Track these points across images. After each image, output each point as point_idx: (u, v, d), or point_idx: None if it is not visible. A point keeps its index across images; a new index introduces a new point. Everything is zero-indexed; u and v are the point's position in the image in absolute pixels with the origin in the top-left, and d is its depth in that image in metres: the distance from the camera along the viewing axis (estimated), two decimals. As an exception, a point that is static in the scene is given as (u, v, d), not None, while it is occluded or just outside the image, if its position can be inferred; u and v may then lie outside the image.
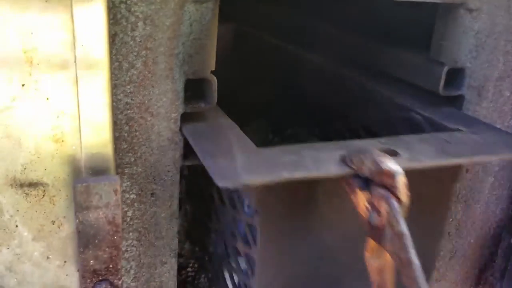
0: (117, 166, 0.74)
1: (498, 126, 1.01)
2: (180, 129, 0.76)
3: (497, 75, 0.96)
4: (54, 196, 0.68)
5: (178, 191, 0.80)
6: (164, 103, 0.73)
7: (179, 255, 1.01)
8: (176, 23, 0.70)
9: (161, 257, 0.85)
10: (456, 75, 0.92)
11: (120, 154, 0.74)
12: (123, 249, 0.81)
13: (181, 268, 1.08)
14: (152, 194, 0.78)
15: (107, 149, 0.68)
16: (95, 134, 0.66)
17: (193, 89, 0.77)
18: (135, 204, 0.78)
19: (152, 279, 0.86)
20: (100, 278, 0.70)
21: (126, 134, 0.73)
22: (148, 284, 0.86)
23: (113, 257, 0.69)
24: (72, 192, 0.64)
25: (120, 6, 0.66)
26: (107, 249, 0.67)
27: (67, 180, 0.67)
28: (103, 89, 0.64)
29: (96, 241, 0.66)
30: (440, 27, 0.89)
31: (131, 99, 0.71)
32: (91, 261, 0.67)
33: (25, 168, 0.64)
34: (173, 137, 0.76)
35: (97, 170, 0.67)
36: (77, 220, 0.64)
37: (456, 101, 0.94)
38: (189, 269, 1.13)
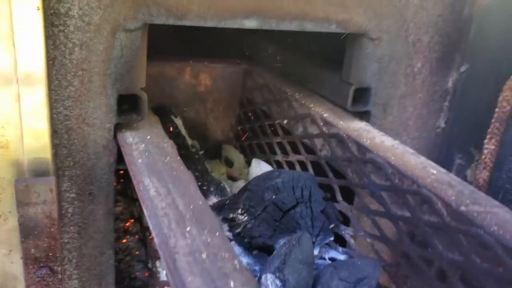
0: (58, 169, 0.86)
1: (404, 138, 1.17)
2: (115, 137, 0.89)
3: (400, 94, 1.11)
4: (0, 194, 0.80)
5: (113, 192, 0.92)
6: (99, 115, 0.86)
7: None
8: (108, 48, 0.82)
9: (100, 248, 0.97)
10: (362, 94, 1.07)
11: (61, 158, 0.86)
12: (66, 241, 0.93)
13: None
14: (90, 193, 0.90)
15: (47, 154, 0.80)
16: (36, 141, 0.78)
17: (129, 103, 0.90)
18: (75, 202, 0.90)
19: (92, 267, 0.98)
20: (41, 265, 0.82)
21: (65, 142, 0.85)
22: (89, 272, 0.98)
23: (52, 247, 0.81)
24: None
25: (59, 34, 0.78)
26: (46, 239, 0.79)
27: (11, 181, 0.78)
28: (42, 103, 0.77)
29: (36, 232, 0.78)
30: (348, 52, 1.04)
31: (70, 112, 0.83)
32: (32, 250, 0.79)
33: (-25, 170, 0.76)
34: (108, 145, 0.88)
35: (38, 172, 0.79)
36: (19, 214, 0.76)
37: (364, 116, 1.08)
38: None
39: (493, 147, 0.96)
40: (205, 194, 1.18)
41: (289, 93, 1.21)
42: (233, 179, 1.40)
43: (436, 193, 0.78)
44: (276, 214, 0.93)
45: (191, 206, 0.67)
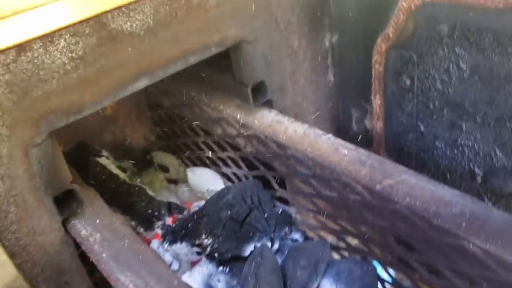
0: (31, 279, 0.92)
1: (305, 105, 1.29)
2: (66, 231, 0.95)
3: (289, 73, 1.21)
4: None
5: (84, 272, 1.00)
6: (45, 222, 0.91)
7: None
8: (27, 167, 0.85)
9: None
10: (260, 87, 1.16)
11: (29, 272, 0.91)
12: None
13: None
14: (66, 283, 0.98)
15: (18, 279, 0.86)
16: (3, 272, 0.84)
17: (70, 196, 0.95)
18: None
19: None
20: None
21: (26, 257, 0.90)
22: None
23: None
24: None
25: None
26: None
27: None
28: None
29: None
30: (234, 58, 1.11)
31: (18, 234, 0.88)
32: None
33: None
34: (63, 240, 0.94)
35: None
36: None
37: (267, 104, 1.18)
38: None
39: (379, 101, 1.11)
40: (159, 218, 1.28)
41: (195, 97, 1.27)
42: (174, 181, 1.49)
43: (353, 177, 0.93)
44: (235, 227, 1.06)
45: (171, 290, 0.78)
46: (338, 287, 1.00)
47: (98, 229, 0.93)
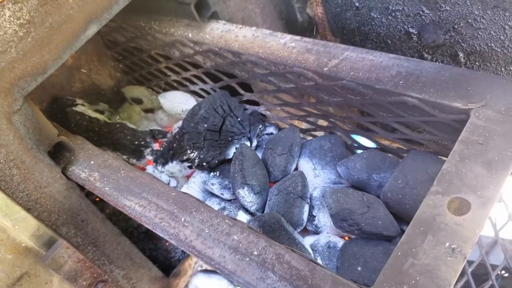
0: (54, 229, 1.06)
1: (250, 7, 1.35)
2: (68, 178, 1.06)
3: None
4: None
5: (94, 207, 1.14)
6: (47, 175, 1.02)
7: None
8: (15, 132, 0.94)
9: (114, 239, 1.22)
10: (202, 3, 1.21)
11: (47, 220, 1.05)
12: (91, 256, 1.17)
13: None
14: (82, 221, 1.12)
15: (41, 228, 0.99)
16: (27, 227, 0.97)
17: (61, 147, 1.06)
18: (78, 237, 1.12)
19: (114, 252, 1.25)
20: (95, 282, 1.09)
21: (40, 208, 1.03)
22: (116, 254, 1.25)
23: (91, 267, 1.06)
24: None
25: (-23, 156, 0.90)
26: (87, 273, 1.05)
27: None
28: (7, 204, 0.93)
29: (78, 275, 1.03)
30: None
31: (27, 191, 0.99)
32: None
33: None
34: (68, 187, 1.06)
35: (49, 244, 1.00)
36: (61, 276, 0.99)
37: (214, 15, 1.25)
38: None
39: (315, -13, 1.17)
40: (146, 146, 1.39)
41: (146, 27, 1.33)
42: (150, 110, 1.58)
43: (303, 66, 1.03)
44: (214, 136, 1.18)
45: (170, 201, 0.91)
46: (313, 162, 1.14)
47: (95, 168, 1.05)
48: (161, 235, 0.88)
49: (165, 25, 1.29)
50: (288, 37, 1.11)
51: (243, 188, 1.05)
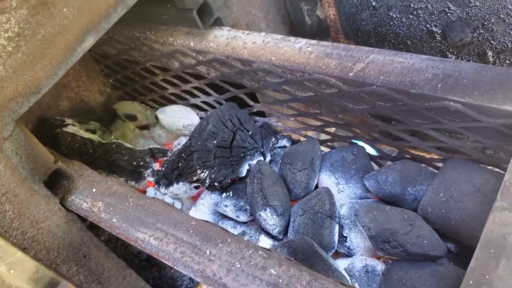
0: (54, 268, 0.93)
1: (254, 11, 1.25)
2: (68, 210, 0.94)
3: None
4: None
5: (98, 240, 1.02)
6: (44, 209, 0.90)
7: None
8: (7, 161, 0.82)
9: (119, 273, 1.10)
10: (203, 9, 1.11)
11: (46, 259, 0.92)
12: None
13: None
14: (84, 256, 1.00)
15: (41, 269, 0.87)
16: (23, 269, 0.85)
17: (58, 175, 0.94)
18: (81, 275, 0.99)
19: None
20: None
21: (37, 246, 0.90)
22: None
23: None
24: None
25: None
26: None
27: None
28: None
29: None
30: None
31: (22, 227, 0.87)
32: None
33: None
34: (68, 219, 0.94)
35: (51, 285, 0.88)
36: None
37: (218, 22, 1.14)
38: None
39: (327, -13, 1.09)
40: (146, 167, 1.28)
41: (141, 37, 1.22)
42: (145, 127, 1.47)
43: (324, 72, 0.94)
44: (225, 153, 1.08)
45: (190, 231, 0.81)
46: (335, 176, 1.05)
47: (98, 197, 0.93)
48: (184, 272, 0.77)
49: (162, 34, 1.18)
50: (303, 41, 1.02)
51: (265, 210, 0.95)
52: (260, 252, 0.74)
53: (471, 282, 0.61)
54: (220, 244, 0.77)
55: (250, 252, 0.75)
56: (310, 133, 1.21)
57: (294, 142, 1.20)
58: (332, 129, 1.14)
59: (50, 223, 0.92)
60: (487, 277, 0.61)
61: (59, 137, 1.25)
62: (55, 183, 0.94)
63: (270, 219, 0.95)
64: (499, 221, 0.65)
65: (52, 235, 0.93)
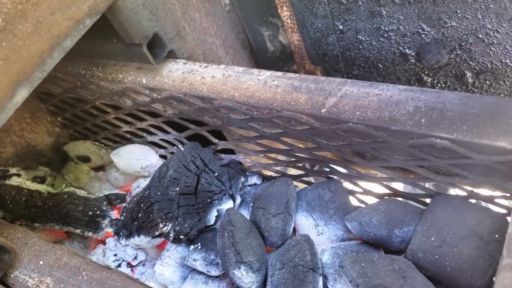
0: None
1: (211, 39, 1.15)
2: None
3: (177, 14, 1.05)
4: None
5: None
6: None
7: None
8: None
9: None
10: (154, 42, 1.00)
11: None
12: None
13: None
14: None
15: None
16: None
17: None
18: None
19: None
20: None
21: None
22: None
23: None
24: None
25: None
26: None
27: None
28: None
29: None
30: (114, 19, 0.93)
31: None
32: None
33: None
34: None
35: None
36: None
37: (171, 54, 1.03)
38: None
39: (288, 12, 0.99)
40: (103, 216, 1.15)
41: (87, 75, 1.09)
42: (101, 168, 1.34)
43: (294, 109, 0.84)
44: (189, 201, 0.97)
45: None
46: (313, 217, 0.96)
47: (46, 271, 0.80)
48: None
49: (111, 70, 1.07)
50: (267, 73, 0.92)
51: (239, 268, 0.85)
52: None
53: None
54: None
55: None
56: (281, 168, 1.12)
57: (265, 178, 1.10)
58: (308, 165, 1.04)
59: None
60: None
61: (2, 191, 1.11)
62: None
63: (245, 277, 0.85)
64: (509, 283, 0.57)
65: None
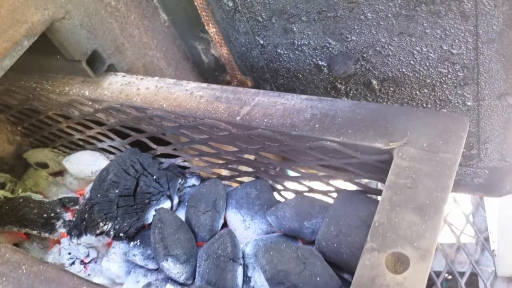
0: None
1: (151, 52, 1.25)
2: None
3: (119, 31, 1.14)
4: None
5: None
6: None
7: None
8: None
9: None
10: (94, 57, 1.10)
11: None
12: None
13: None
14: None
15: None
16: None
17: None
18: None
19: None
20: None
21: None
22: None
23: None
24: None
25: None
26: None
27: None
28: None
29: None
30: (54, 38, 1.03)
31: None
32: None
33: None
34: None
35: None
36: None
37: (112, 68, 1.13)
38: None
39: (214, 29, 1.10)
40: (57, 218, 1.25)
41: (38, 88, 1.19)
42: (59, 173, 1.44)
43: (214, 117, 0.95)
44: (128, 202, 1.07)
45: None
46: (241, 213, 1.06)
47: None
48: None
49: (58, 84, 1.16)
50: (193, 84, 1.02)
51: (166, 260, 0.95)
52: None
53: (343, 328, 0.64)
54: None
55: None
56: (219, 170, 1.22)
57: (203, 179, 1.20)
58: (238, 166, 1.15)
59: None
60: (357, 321, 0.63)
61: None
62: None
63: (173, 268, 0.95)
64: (369, 264, 0.68)
65: None
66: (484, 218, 1.81)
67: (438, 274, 1.77)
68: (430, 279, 1.86)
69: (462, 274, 1.73)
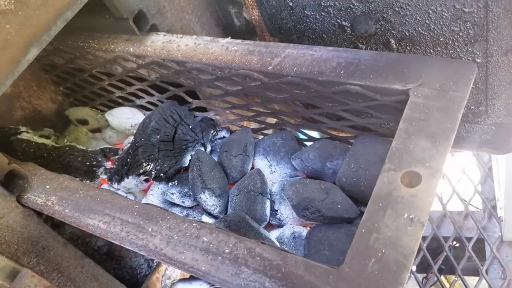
0: (13, 257, 1.02)
1: (188, 16, 1.37)
2: (24, 206, 1.04)
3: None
4: None
5: (58, 235, 1.11)
6: (2, 206, 0.99)
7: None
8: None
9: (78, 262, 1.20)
10: (139, 17, 1.22)
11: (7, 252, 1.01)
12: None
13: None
14: (43, 248, 1.09)
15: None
16: None
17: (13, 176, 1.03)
18: (41, 265, 1.09)
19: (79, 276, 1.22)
20: None
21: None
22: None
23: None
24: None
25: None
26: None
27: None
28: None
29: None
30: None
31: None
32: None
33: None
34: (25, 215, 1.04)
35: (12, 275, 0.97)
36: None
37: (154, 28, 1.25)
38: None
39: (246, -10, 1.22)
40: (99, 166, 1.38)
41: (85, 46, 1.31)
42: (97, 130, 1.56)
43: (248, 68, 1.06)
44: (168, 146, 1.19)
45: (134, 214, 0.92)
46: (268, 159, 1.18)
47: (51, 192, 1.03)
48: (130, 248, 0.88)
49: (104, 42, 1.29)
50: (229, 41, 1.14)
51: (204, 192, 1.07)
52: (194, 224, 0.86)
53: (363, 230, 0.75)
54: (160, 222, 0.88)
55: (186, 225, 0.86)
56: (247, 124, 1.34)
57: (232, 132, 1.32)
58: (266, 118, 1.26)
59: (8, 219, 1.01)
60: (376, 225, 0.74)
61: (14, 144, 1.33)
62: (11, 183, 1.03)
63: (209, 200, 1.07)
64: (387, 180, 0.79)
65: (11, 230, 1.02)
66: (492, 188, 1.91)
67: (446, 239, 1.87)
68: (438, 246, 1.96)
69: (469, 239, 1.82)
